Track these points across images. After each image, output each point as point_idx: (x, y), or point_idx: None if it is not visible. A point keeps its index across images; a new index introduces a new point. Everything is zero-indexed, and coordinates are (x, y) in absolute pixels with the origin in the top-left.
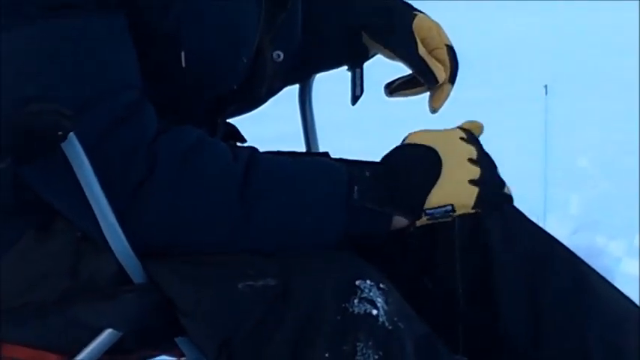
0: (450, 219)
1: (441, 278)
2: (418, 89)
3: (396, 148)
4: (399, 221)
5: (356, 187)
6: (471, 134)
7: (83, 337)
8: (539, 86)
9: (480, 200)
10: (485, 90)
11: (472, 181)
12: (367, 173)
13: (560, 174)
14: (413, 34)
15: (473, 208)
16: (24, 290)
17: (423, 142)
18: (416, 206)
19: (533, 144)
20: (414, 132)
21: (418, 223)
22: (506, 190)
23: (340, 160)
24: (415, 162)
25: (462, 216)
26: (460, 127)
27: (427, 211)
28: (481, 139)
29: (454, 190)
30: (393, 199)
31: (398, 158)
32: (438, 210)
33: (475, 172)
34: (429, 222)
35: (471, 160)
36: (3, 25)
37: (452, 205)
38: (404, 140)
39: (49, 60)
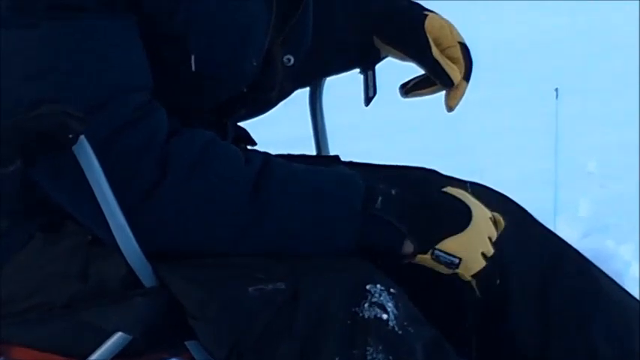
0: (449, 271)
1: (452, 281)
2: (433, 88)
3: (431, 185)
4: (407, 247)
5: (380, 198)
6: (495, 222)
7: (92, 340)
8: (549, 88)
9: (479, 274)
10: (495, 91)
11: (484, 256)
12: (394, 191)
13: (570, 177)
14: (425, 35)
15: (472, 275)
16: (32, 293)
17: (459, 197)
18: (431, 239)
19: (544, 146)
20: (451, 187)
21: (420, 257)
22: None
23: (358, 164)
24: (448, 205)
25: (458, 275)
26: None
27: (436, 251)
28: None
29: (470, 250)
30: (414, 220)
31: (432, 193)
32: (446, 256)
33: (490, 250)
34: (430, 261)
35: (490, 240)
36: (14, 26)
37: (460, 259)
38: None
39: (60, 61)
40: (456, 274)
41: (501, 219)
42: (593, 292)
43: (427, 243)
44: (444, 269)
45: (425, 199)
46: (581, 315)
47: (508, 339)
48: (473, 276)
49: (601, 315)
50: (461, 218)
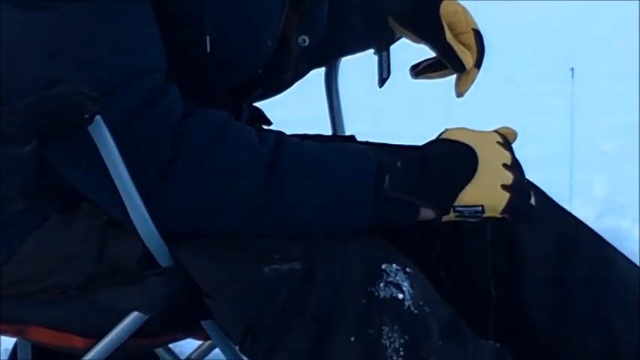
0: (477, 220)
1: (468, 264)
2: (444, 72)
3: (433, 141)
4: (427, 213)
5: (387, 177)
6: (505, 140)
7: (108, 320)
8: (565, 68)
9: (509, 206)
10: (510, 71)
11: (504, 187)
12: (399, 163)
13: (585, 157)
14: (440, 19)
15: (501, 213)
16: (49, 273)
17: (461, 140)
18: (447, 201)
19: (559, 127)
20: (452, 129)
21: (445, 218)
22: (531, 201)
23: (373, 144)
24: (452, 157)
25: (489, 218)
26: (496, 131)
27: (457, 208)
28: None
29: (487, 192)
30: (424, 190)
31: (434, 151)
32: (468, 209)
33: (508, 178)
34: (457, 219)
35: (505, 166)
36: (28, 8)
37: (482, 206)
38: (440, 135)
39: (75, 43)
40: (488, 218)
41: (509, 130)
42: (608, 274)
43: (445, 205)
44: (473, 221)
45: (428, 159)
46: (597, 297)
47: (524, 320)
48: (503, 212)
49: (617, 297)
50: (468, 164)
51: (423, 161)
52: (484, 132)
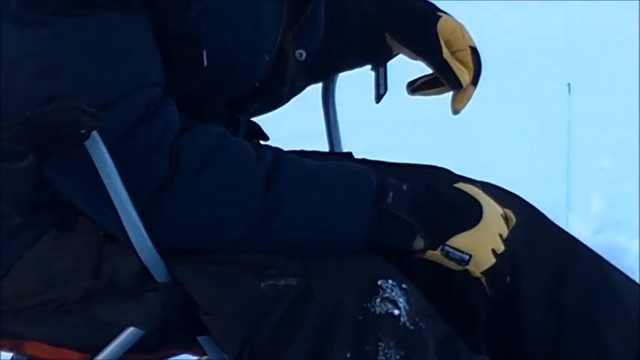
0: (459, 267)
1: (465, 280)
2: (441, 89)
3: (443, 183)
4: (417, 242)
5: (391, 194)
6: (506, 219)
7: (105, 335)
8: (562, 84)
9: (489, 271)
10: (507, 87)
11: (494, 252)
12: (405, 187)
13: (582, 173)
14: (437, 36)
15: (481, 272)
16: (46, 288)
17: (471, 194)
18: (441, 236)
19: (556, 142)
20: (462, 183)
21: (430, 253)
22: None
23: (375, 163)
24: (459, 201)
25: (466, 271)
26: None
27: (446, 247)
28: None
29: (480, 247)
30: (424, 217)
31: (443, 189)
32: (456, 253)
33: (500, 247)
34: (440, 257)
35: (500, 236)
36: (26, 23)
37: (471, 256)
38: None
39: (73, 58)
40: (466, 270)
41: (512, 215)
42: (606, 294)
43: (437, 239)
44: (454, 265)
45: (436, 194)
46: (594, 316)
47: (520, 338)
48: (483, 273)
49: (614, 317)
50: (472, 214)
51: (430, 193)
52: (492, 200)
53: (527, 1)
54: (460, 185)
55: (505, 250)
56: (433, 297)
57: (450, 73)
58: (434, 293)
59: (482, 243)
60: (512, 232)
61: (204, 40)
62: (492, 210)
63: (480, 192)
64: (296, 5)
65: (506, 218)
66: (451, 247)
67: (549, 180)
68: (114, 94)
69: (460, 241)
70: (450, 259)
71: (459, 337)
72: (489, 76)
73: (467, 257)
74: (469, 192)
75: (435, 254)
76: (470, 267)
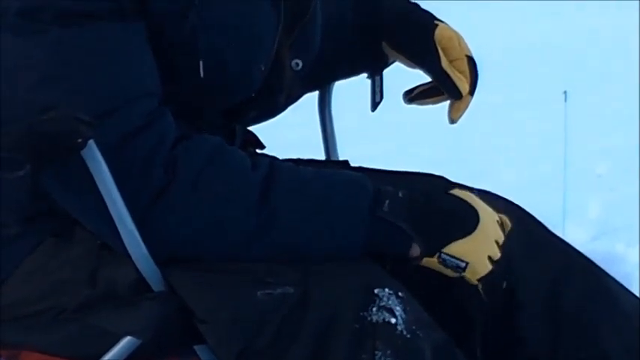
0: (455, 274)
1: (461, 288)
2: (438, 98)
3: (439, 190)
4: (413, 250)
5: (387, 201)
6: (502, 225)
7: (102, 344)
8: (558, 91)
9: (486, 278)
10: (504, 94)
11: (490, 259)
12: (401, 194)
13: (579, 180)
14: (435, 45)
15: (477, 279)
16: (42, 297)
17: (467, 200)
18: (438, 243)
19: (553, 149)
20: (459, 190)
21: (426, 260)
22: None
23: (369, 171)
24: (455, 208)
25: (463, 279)
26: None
27: (442, 254)
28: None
29: (476, 254)
30: (421, 224)
31: (439, 196)
32: (453, 260)
33: (496, 254)
34: (436, 264)
35: (496, 243)
36: (24, 33)
37: (467, 263)
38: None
39: (70, 68)
40: (463, 277)
41: (508, 221)
42: (602, 301)
43: (434, 246)
44: (450, 273)
45: (432, 202)
46: (592, 323)
47: (517, 346)
48: (479, 280)
49: (611, 323)
50: (468, 221)
51: (426, 200)
52: (488, 207)
53: (525, 1)
54: (456, 192)
55: (501, 258)
56: (429, 305)
57: (450, 83)
58: (430, 301)
59: (479, 250)
60: (507, 239)
61: (201, 51)
62: (488, 217)
63: (476, 199)
64: (292, 16)
65: (502, 224)
66: (447, 254)
67: (546, 186)
68: (111, 104)
69: (456, 248)
70: (447, 266)
71: (455, 345)
72: (486, 83)
73: (463, 264)
74: (465, 199)
75: (431, 261)
76: (466, 274)
